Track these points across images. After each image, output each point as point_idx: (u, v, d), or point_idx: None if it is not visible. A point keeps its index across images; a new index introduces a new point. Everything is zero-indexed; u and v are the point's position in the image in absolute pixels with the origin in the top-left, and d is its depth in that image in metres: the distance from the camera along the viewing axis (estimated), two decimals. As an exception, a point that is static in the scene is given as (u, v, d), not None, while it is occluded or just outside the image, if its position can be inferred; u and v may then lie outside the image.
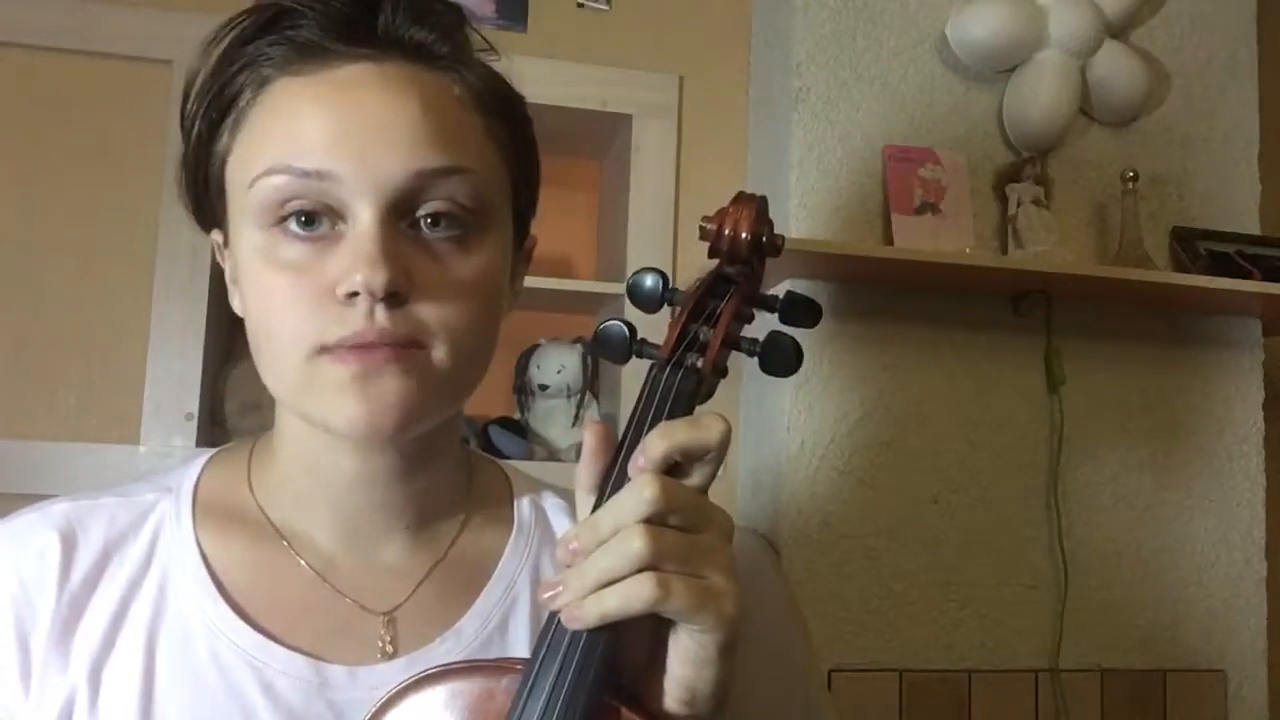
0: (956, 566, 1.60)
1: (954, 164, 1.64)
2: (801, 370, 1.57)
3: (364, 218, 0.56)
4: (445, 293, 0.58)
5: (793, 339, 0.55)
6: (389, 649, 0.63)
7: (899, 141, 1.64)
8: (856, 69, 1.65)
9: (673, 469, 0.50)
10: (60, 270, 1.56)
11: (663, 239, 1.73)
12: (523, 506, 0.71)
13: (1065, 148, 1.71)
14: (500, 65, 0.65)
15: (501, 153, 0.63)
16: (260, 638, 0.61)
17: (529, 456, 1.65)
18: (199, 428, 1.56)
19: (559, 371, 1.72)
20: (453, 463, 0.69)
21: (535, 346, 1.75)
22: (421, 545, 0.66)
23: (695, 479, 0.51)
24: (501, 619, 0.65)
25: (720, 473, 0.51)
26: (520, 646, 0.65)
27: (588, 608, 0.48)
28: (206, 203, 0.63)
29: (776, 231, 0.57)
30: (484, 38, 0.65)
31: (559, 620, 0.50)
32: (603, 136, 1.83)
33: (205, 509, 0.65)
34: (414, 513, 0.66)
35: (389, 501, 0.64)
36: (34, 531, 0.62)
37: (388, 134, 0.56)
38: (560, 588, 0.49)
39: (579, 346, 1.75)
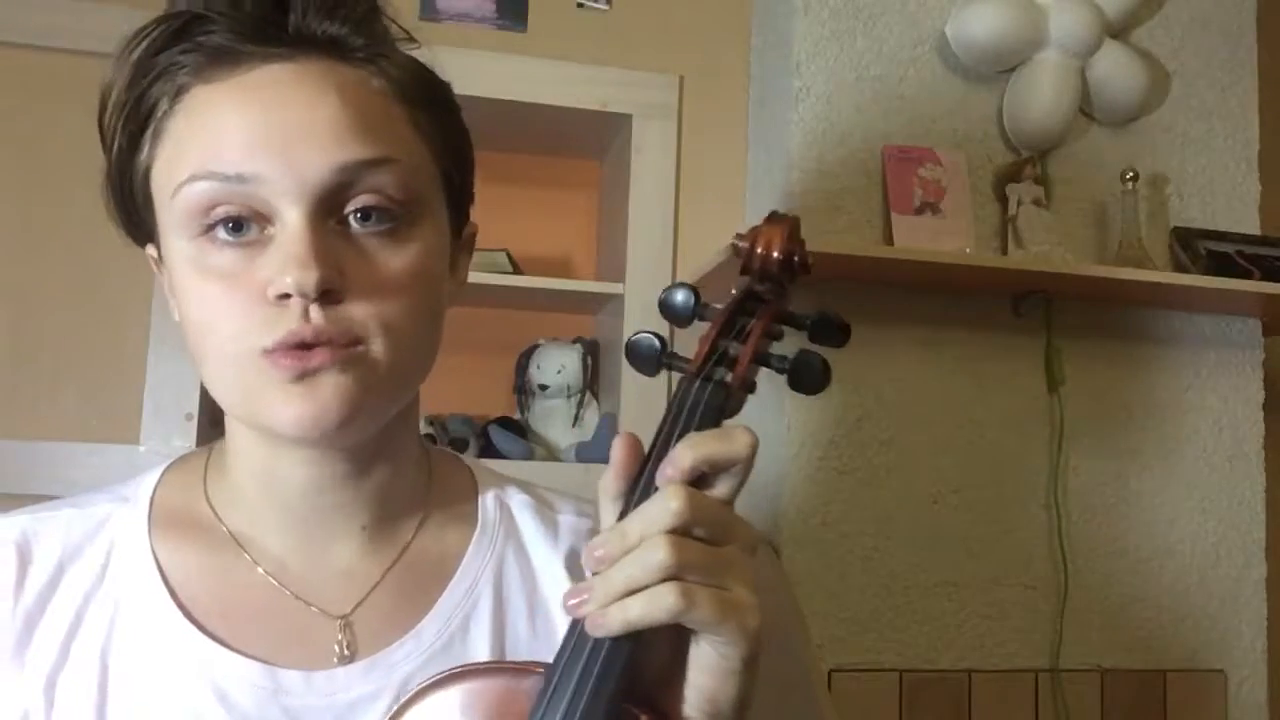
0: (956, 566, 1.60)
1: (954, 164, 1.64)
2: (801, 370, 1.57)
3: (291, 218, 0.55)
4: (380, 288, 0.57)
5: (822, 358, 0.55)
6: (346, 653, 0.62)
7: (899, 141, 1.64)
8: (856, 69, 1.65)
9: (699, 480, 0.50)
10: (60, 270, 1.56)
11: (663, 239, 1.73)
12: (487, 503, 0.70)
13: (1065, 148, 1.71)
14: (424, 55, 0.64)
15: (428, 142, 0.62)
16: (214, 645, 0.60)
17: (529, 456, 1.65)
18: (199, 428, 1.56)
19: (559, 371, 1.71)
20: (409, 461, 0.67)
21: (535, 346, 1.75)
22: (378, 546, 0.65)
23: (721, 491, 0.51)
24: (463, 620, 0.65)
25: None
26: (482, 647, 0.64)
27: (612, 615, 0.48)
28: (136, 217, 0.62)
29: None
30: (402, 27, 0.63)
31: (583, 627, 0.50)
32: (603, 136, 1.83)
33: (161, 518, 0.64)
34: (369, 514, 0.65)
35: (342, 504, 0.64)
36: None
37: (308, 131, 0.55)
38: (585, 595, 0.49)
39: (579, 346, 1.75)
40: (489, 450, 1.63)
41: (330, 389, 0.55)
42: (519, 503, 0.71)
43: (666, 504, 0.48)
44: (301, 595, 0.63)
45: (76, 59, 1.57)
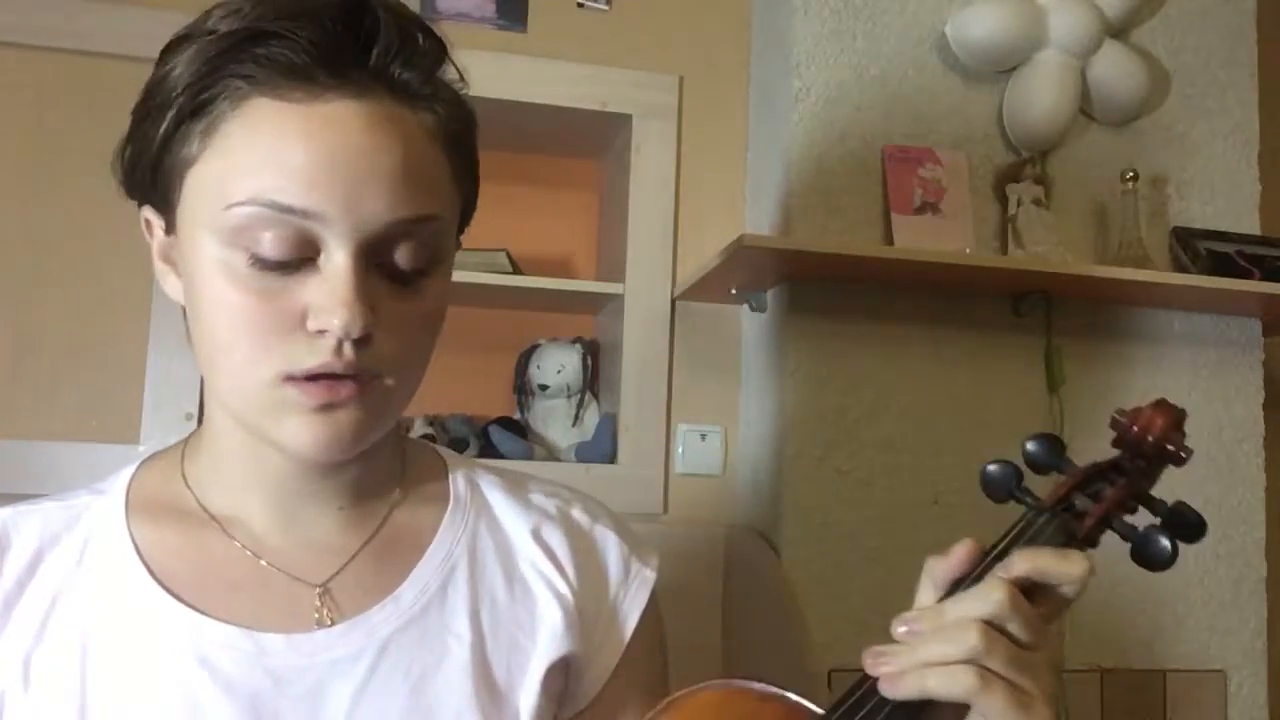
0: (956, 566, 1.59)
1: (954, 164, 1.64)
2: (801, 370, 1.58)
3: (339, 258, 0.57)
4: (404, 328, 0.60)
5: (1172, 545, 0.59)
6: (327, 619, 0.64)
7: (899, 141, 1.64)
8: (856, 69, 1.65)
9: (1026, 593, 0.54)
10: (60, 270, 1.56)
11: (663, 239, 1.73)
12: (458, 482, 0.74)
13: (1065, 148, 1.71)
14: (454, 55, 0.66)
15: (459, 186, 0.65)
16: (195, 614, 0.62)
17: (529, 456, 1.65)
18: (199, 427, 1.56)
19: (559, 371, 1.71)
20: (385, 450, 0.71)
21: (535, 346, 1.75)
22: (355, 523, 0.68)
23: (1043, 606, 0.55)
24: (441, 585, 0.68)
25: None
26: (460, 612, 0.67)
27: (908, 679, 0.52)
28: (147, 191, 0.63)
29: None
30: (460, 71, 0.66)
31: (873, 683, 0.53)
32: (603, 136, 1.83)
33: (138, 504, 0.67)
34: (347, 496, 0.68)
35: (322, 488, 0.67)
36: None
37: (372, 178, 0.57)
38: (888, 656, 0.53)
39: (579, 347, 1.75)
40: (489, 450, 1.63)
41: (348, 421, 0.59)
42: (488, 482, 0.75)
43: (990, 593, 0.53)
44: (280, 566, 0.65)
45: (76, 59, 1.57)
